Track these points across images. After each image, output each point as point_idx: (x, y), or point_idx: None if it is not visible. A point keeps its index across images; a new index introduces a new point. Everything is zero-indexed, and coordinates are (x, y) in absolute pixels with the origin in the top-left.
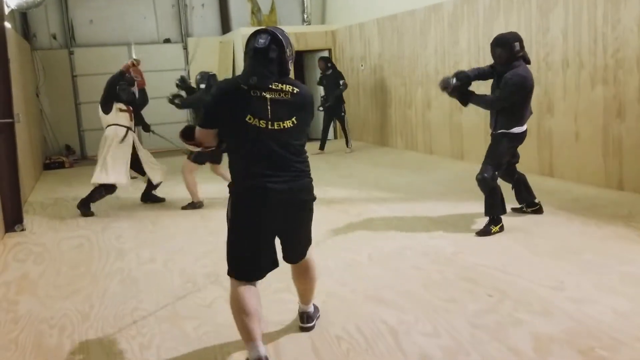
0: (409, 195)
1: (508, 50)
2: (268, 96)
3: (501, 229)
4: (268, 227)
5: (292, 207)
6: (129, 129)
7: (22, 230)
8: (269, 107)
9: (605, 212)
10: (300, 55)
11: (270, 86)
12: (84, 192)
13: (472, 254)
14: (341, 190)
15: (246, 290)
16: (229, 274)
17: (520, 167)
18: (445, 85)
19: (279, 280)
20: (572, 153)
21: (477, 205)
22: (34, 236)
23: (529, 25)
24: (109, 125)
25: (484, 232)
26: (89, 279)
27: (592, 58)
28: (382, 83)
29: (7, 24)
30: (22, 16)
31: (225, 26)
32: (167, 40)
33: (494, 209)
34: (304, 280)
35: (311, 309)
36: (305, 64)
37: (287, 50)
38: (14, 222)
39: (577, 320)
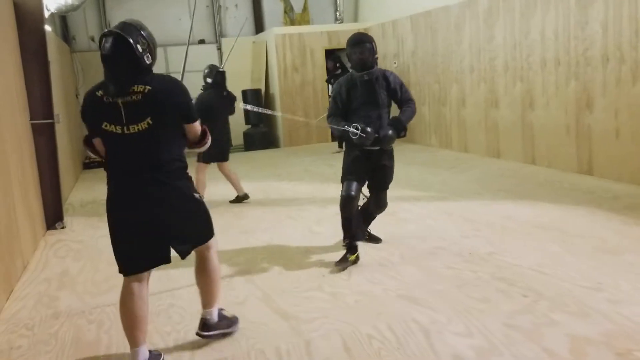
0: (442, 194)
1: (369, 49)
2: (120, 101)
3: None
4: (133, 226)
5: (155, 209)
6: None
7: (63, 227)
8: (122, 112)
9: None
10: (332, 54)
11: (124, 90)
12: None
13: (507, 254)
14: None
15: (130, 291)
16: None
17: (558, 165)
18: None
19: (310, 279)
20: (612, 150)
21: (513, 205)
22: (73, 234)
23: (567, 19)
24: None
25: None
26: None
27: (634, 52)
28: (415, 80)
29: (48, 27)
30: (62, 19)
31: (259, 26)
32: (201, 41)
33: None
34: (199, 277)
35: (212, 317)
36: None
37: (138, 46)
38: (55, 220)
39: (615, 322)
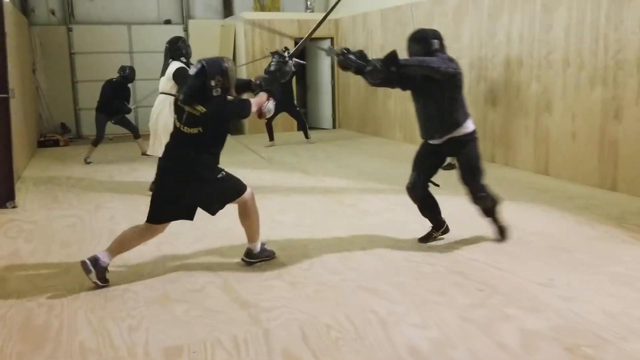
0: (404, 187)
1: (426, 47)
2: (187, 109)
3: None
4: (166, 191)
5: (181, 181)
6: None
7: (14, 207)
8: (184, 116)
9: (599, 212)
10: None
11: (189, 104)
12: (79, 171)
13: (464, 249)
14: (337, 180)
15: (141, 227)
16: None
17: (516, 164)
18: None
19: (271, 268)
20: (569, 152)
21: None
22: (25, 214)
23: (532, 22)
24: (161, 93)
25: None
26: (80, 258)
27: (593, 59)
28: None
29: None
30: None
31: (228, 9)
32: (167, 22)
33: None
34: (241, 220)
35: (255, 248)
36: (307, 53)
37: (212, 81)
38: (6, 198)
39: (565, 318)
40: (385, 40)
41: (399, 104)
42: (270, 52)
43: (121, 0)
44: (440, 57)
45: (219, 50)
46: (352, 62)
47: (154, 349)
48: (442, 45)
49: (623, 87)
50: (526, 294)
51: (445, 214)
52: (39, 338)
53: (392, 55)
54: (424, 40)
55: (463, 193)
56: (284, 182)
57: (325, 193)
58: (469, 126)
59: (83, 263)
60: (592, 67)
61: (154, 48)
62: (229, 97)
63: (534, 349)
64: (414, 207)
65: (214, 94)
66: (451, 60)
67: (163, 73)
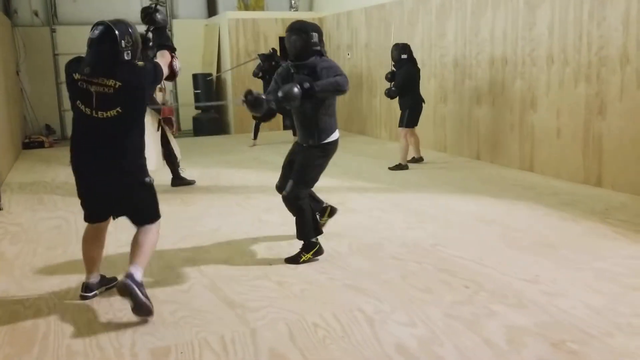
0: (390, 186)
1: (305, 38)
2: (93, 90)
3: (316, 254)
4: (90, 190)
5: (108, 182)
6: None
7: None
8: (93, 99)
9: (583, 208)
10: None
11: (97, 80)
12: (64, 172)
13: (450, 246)
14: (323, 179)
15: (87, 234)
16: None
17: (501, 161)
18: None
19: (257, 268)
20: (553, 149)
21: (457, 199)
22: (10, 216)
23: (516, 19)
24: None
25: (293, 259)
26: (66, 260)
27: (577, 55)
28: (367, 73)
29: None
30: None
31: (212, 9)
32: None
33: (305, 232)
34: (139, 237)
35: (133, 274)
36: None
37: (122, 42)
38: None
39: (550, 314)
40: (370, 39)
41: (384, 103)
42: (258, 55)
43: (104, 0)
44: (338, 70)
45: (204, 50)
46: (262, 98)
47: (141, 350)
48: (321, 40)
49: (607, 84)
50: (512, 290)
51: (430, 214)
52: (26, 341)
53: (307, 80)
54: (304, 32)
55: (447, 192)
56: (270, 182)
57: None
58: (335, 135)
59: (82, 297)
60: (575, 64)
61: None
62: (139, 63)
63: (520, 345)
64: (400, 206)
65: (126, 58)
66: (342, 71)
67: None
